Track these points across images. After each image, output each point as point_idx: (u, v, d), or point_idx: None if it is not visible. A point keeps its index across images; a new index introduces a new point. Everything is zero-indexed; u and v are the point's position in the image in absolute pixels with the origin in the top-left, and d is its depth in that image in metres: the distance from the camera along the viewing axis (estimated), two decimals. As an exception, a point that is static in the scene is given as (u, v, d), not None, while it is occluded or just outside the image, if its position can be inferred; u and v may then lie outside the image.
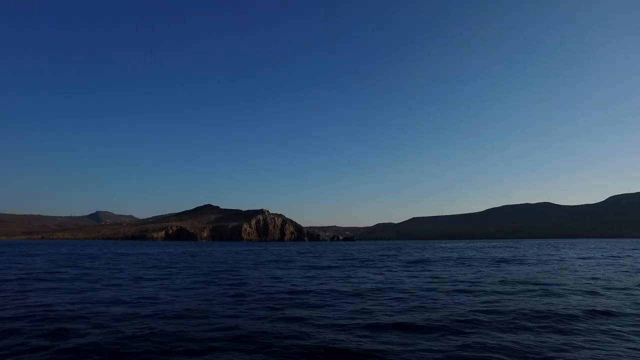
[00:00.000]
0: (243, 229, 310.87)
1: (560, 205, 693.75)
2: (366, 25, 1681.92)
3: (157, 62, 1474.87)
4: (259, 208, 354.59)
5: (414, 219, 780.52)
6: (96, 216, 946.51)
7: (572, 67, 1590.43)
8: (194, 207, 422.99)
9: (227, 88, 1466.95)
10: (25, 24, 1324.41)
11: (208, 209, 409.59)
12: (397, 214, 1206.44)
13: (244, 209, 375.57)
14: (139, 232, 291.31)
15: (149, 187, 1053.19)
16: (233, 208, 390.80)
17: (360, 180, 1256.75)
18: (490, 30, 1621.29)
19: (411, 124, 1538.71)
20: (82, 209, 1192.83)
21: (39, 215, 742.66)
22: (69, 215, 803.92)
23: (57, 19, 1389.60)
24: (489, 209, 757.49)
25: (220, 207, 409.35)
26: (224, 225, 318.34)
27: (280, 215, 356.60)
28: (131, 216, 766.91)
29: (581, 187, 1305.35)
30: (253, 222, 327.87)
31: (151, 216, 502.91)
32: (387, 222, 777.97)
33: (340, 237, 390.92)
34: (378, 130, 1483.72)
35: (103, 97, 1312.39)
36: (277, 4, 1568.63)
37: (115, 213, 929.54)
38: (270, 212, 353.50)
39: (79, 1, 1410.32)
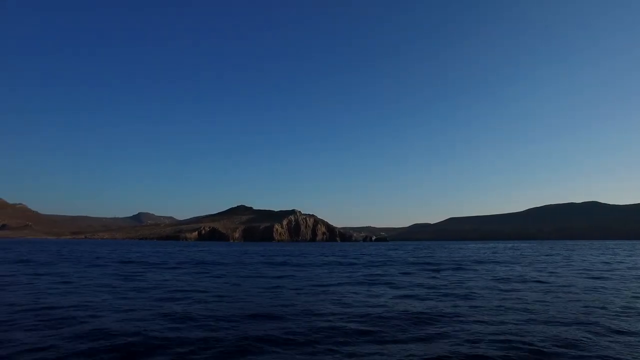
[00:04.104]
0: (274, 229, 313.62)
1: (609, 205, 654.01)
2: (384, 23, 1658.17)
3: (186, 68, 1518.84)
4: (291, 209, 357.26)
5: (450, 219, 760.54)
6: (138, 217, 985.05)
7: (619, 60, 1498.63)
8: (228, 208, 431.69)
9: (263, 89, 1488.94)
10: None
11: (241, 209, 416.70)
12: (435, 214, 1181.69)
13: (276, 209, 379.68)
14: (173, 232, 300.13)
15: (189, 190, 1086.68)
16: (267, 209, 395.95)
17: (397, 179, 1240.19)
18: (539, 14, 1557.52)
19: (447, 122, 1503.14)
20: (125, 210, 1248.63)
21: (86, 217, 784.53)
22: (113, 216, 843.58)
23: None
24: (529, 209, 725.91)
25: (254, 208, 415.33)
26: (256, 225, 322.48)
27: (312, 216, 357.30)
28: (171, 217, 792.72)
29: (632, 186, 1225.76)
30: (284, 222, 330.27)
31: (190, 217, 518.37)
32: (423, 222, 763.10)
33: (373, 238, 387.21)
34: (415, 130, 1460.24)
35: (140, 107, 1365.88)
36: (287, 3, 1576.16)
37: (155, 214, 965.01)
38: (302, 213, 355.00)
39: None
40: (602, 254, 64.06)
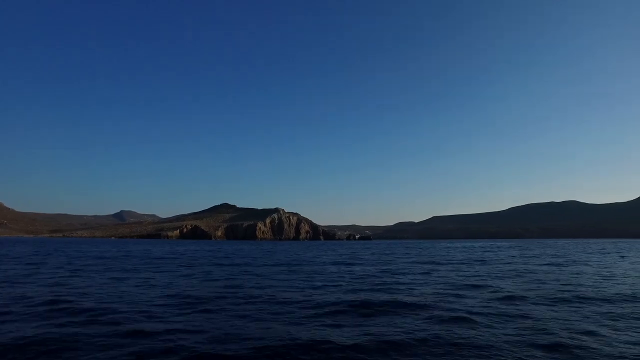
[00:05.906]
0: (257, 227, 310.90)
1: (587, 204, 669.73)
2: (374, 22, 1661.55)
3: (177, 69, 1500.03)
4: (275, 207, 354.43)
5: (434, 217, 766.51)
6: (120, 215, 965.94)
7: (602, 62, 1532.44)
8: (211, 206, 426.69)
9: (247, 87, 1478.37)
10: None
11: (225, 207, 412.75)
12: (419, 213, 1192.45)
13: (260, 207, 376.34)
14: (155, 230, 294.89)
15: (173, 188, 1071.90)
16: (250, 207, 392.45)
17: (382, 178, 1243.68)
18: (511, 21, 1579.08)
19: (431, 121, 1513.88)
20: (107, 208, 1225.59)
21: (66, 215, 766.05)
22: (94, 214, 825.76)
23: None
24: (513, 207, 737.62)
25: (237, 206, 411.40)
26: (239, 224, 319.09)
27: (296, 214, 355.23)
28: (154, 215, 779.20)
29: (609, 186, 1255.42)
30: (268, 220, 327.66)
31: (173, 215, 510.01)
32: (408, 220, 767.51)
33: (357, 236, 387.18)
34: (399, 128, 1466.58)
35: (126, 105, 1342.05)
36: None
37: (138, 212, 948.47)
38: (286, 211, 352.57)
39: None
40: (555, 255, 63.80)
